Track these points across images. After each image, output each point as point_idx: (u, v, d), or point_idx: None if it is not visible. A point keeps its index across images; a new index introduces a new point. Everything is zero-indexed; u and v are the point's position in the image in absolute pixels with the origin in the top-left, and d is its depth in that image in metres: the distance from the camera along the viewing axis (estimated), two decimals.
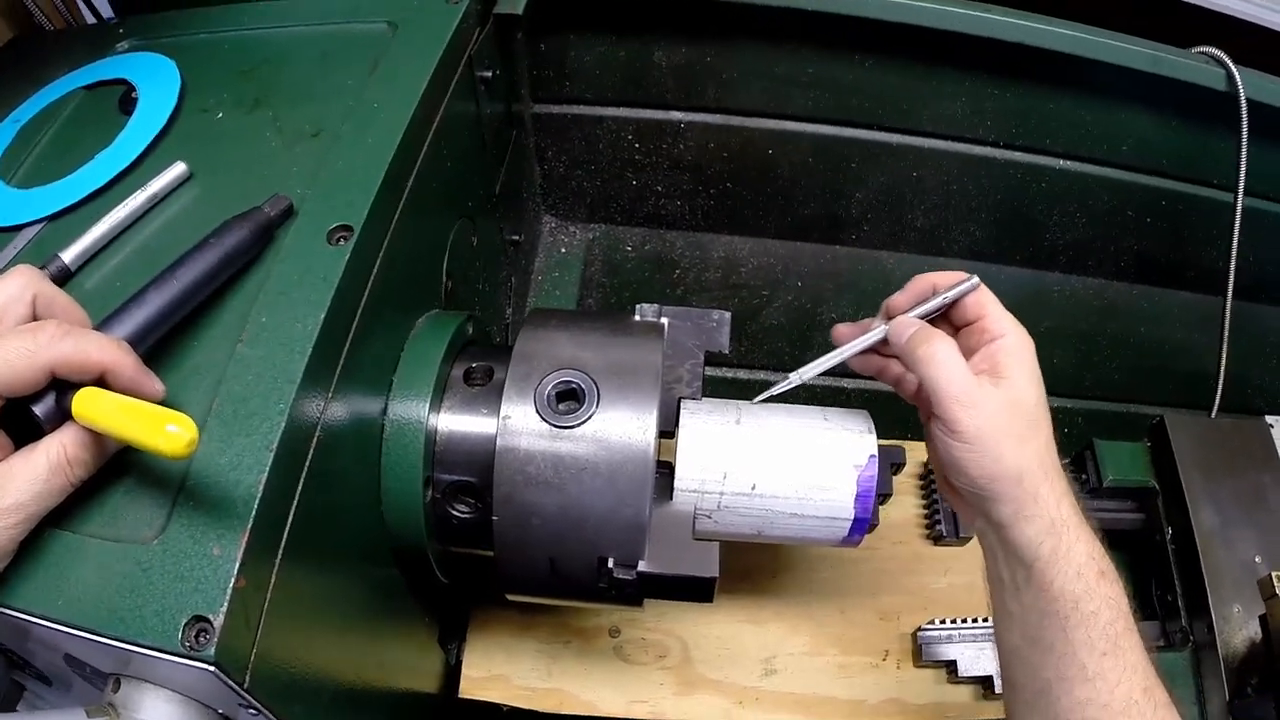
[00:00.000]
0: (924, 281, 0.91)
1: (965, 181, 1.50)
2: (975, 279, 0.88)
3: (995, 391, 0.81)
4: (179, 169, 0.86)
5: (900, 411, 1.75)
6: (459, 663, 1.14)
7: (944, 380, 0.81)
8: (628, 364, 0.83)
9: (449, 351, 0.88)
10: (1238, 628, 1.15)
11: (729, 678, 1.15)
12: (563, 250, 1.61)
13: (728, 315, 0.94)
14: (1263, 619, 1.08)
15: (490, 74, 1.08)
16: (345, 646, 0.81)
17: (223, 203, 0.78)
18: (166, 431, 0.55)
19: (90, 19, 1.34)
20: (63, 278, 0.79)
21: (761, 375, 1.73)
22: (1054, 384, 1.70)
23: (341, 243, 0.74)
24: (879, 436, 0.97)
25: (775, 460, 0.88)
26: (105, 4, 1.33)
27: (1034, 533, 0.78)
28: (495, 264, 1.27)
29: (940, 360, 0.82)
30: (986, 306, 0.87)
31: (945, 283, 0.89)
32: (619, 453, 0.78)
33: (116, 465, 0.65)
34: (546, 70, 1.39)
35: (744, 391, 1.72)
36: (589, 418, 0.79)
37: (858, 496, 0.90)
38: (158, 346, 0.71)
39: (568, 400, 0.81)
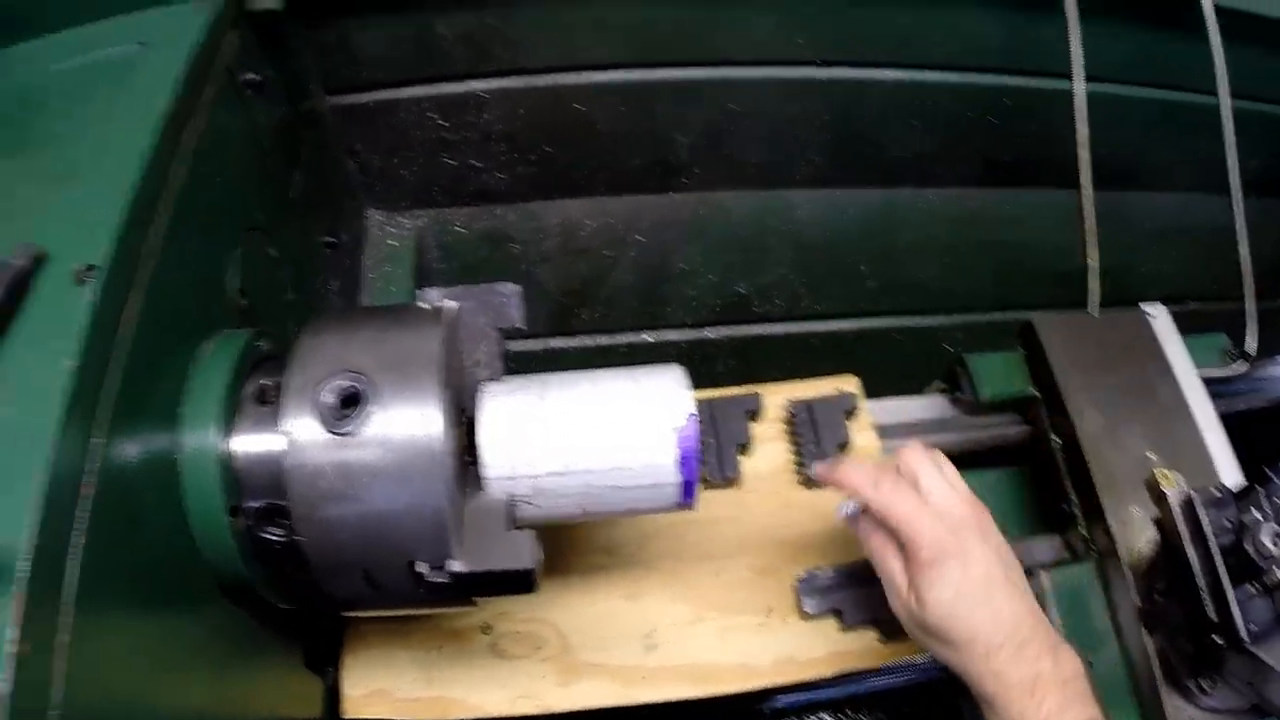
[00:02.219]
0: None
1: (789, 108, 1.53)
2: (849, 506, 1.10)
3: (915, 610, 0.99)
4: None
5: (770, 354, 1.81)
6: (337, 683, 1.16)
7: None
8: (405, 357, 0.84)
9: (238, 372, 0.89)
10: (1139, 531, 1.16)
11: (611, 659, 1.17)
12: (393, 242, 1.63)
13: (517, 287, 0.95)
14: (1157, 521, 1.09)
15: (258, 77, 1.09)
16: (184, 689, 0.83)
17: None
18: None
19: None
20: None
21: (623, 338, 1.77)
22: (924, 301, 1.79)
23: (87, 282, 0.75)
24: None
25: (584, 433, 0.90)
26: None
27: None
28: (308, 270, 1.29)
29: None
30: (886, 516, 1.01)
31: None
32: (405, 451, 0.80)
33: None
34: (333, 60, 1.39)
35: (608, 359, 1.78)
36: (369, 419, 0.81)
37: (680, 460, 0.90)
38: None
39: (349, 405, 0.82)
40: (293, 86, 1.27)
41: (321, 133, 1.40)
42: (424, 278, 1.64)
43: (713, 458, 1.26)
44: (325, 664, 1.17)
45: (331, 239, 1.40)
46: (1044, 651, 0.93)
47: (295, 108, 1.28)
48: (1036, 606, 0.98)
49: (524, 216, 1.66)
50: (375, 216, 1.65)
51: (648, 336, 1.78)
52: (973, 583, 0.95)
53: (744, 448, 1.28)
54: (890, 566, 1.02)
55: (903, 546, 1.00)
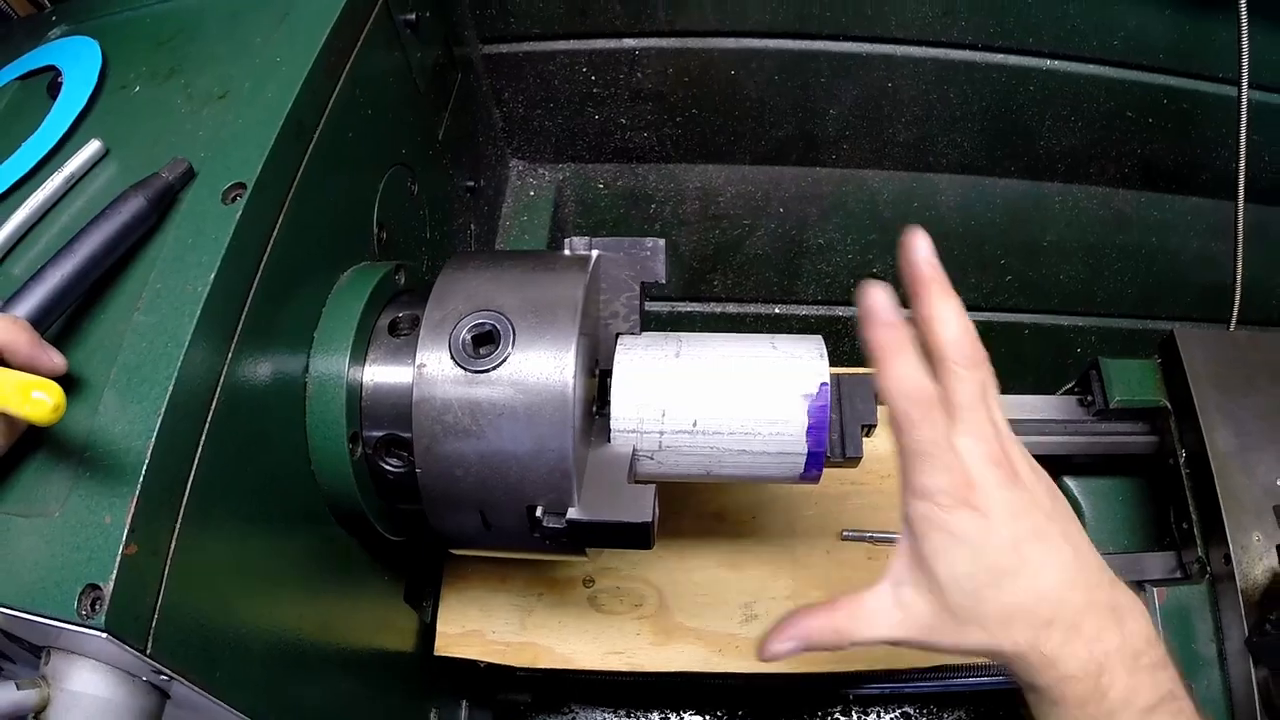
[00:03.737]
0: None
1: (945, 89, 1.49)
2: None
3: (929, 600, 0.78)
4: (94, 147, 0.89)
5: None
6: (435, 619, 1.17)
7: None
8: (546, 301, 0.83)
9: (373, 303, 0.90)
10: (1257, 557, 1.12)
11: (708, 625, 1.16)
12: (531, 193, 1.63)
13: (662, 242, 0.92)
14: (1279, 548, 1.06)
15: (414, 17, 1.09)
16: (282, 608, 0.84)
17: (137, 175, 0.81)
18: (32, 398, 0.58)
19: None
20: None
21: (753, 309, 1.75)
22: (1061, 301, 1.74)
23: (235, 201, 0.76)
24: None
25: (717, 393, 0.88)
26: None
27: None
28: (447, 211, 1.29)
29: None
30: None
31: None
32: (537, 394, 0.80)
33: (33, 441, 0.69)
34: (489, 9, 1.40)
35: (736, 328, 1.76)
36: (505, 360, 0.80)
37: (809, 429, 0.88)
38: (70, 322, 0.75)
39: (486, 344, 0.82)
40: (448, 31, 1.28)
41: (472, 79, 1.40)
42: (560, 229, 1.64)
43: (836, 435, 1.22)
44: (423, 600, 1.19)
45: (472, 183, 1.40)
46: (1107, 624, 0.73)
47: (449, 52, 1.28)
48: (1093, 555, 0.77)
49: (664, 178, 1.65)
50: (517, 166, 1.66)
51: (778, 309, 1.76)
52: (997, 550, 0.74)
53: (869, 429, 1.24)
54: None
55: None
